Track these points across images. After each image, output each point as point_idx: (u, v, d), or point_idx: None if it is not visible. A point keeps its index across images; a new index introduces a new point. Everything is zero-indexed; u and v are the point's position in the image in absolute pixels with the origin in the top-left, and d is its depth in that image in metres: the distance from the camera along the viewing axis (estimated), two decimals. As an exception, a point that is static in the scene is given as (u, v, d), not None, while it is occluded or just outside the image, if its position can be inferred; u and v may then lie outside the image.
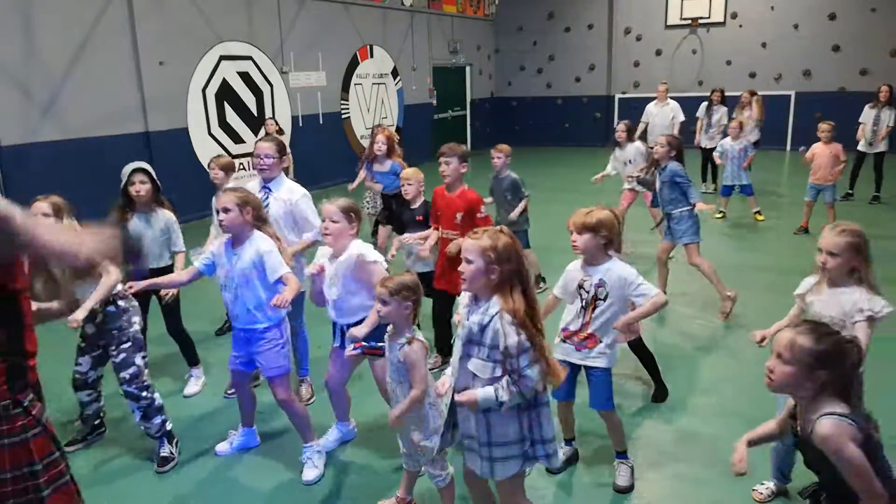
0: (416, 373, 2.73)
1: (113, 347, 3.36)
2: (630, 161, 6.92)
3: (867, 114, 9.13)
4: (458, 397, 2.38)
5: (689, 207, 5.20)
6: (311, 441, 3.40)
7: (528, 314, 2.30)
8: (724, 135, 9.02)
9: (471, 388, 2.36)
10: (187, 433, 3.76)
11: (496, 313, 2.29)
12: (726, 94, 10.30)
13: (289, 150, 8.58)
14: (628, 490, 3.18)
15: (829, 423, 1.92)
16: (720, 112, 10.08)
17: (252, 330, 3.27)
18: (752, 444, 2.34)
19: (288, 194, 3.98)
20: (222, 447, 3.60)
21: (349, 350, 3.19)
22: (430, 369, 3.08)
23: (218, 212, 3.24)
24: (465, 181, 4.39)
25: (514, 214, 5.50)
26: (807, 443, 2.04)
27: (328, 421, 3.79)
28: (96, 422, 3.73)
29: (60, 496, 2.00)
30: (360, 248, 3.23)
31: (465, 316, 2.45)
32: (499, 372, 2.32)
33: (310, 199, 4.04)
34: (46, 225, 1.89)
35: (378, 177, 6.40)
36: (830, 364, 1.96)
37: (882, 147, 9.09)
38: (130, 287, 3.27)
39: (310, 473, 3.33)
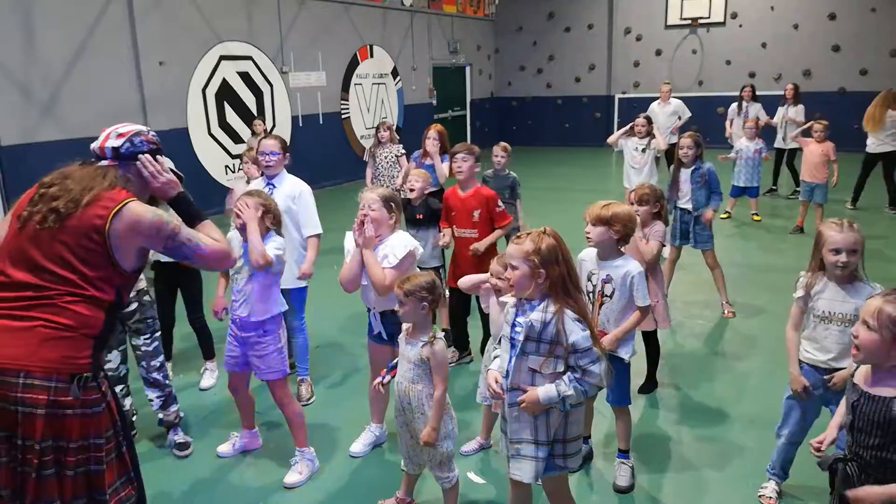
0: (441, 372, 2.71)
1: (147, 336, 3.51)
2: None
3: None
4: (514, 401, 2.36)
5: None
6: (305, 447, 3.38)
7: (583, 314, 2.32)
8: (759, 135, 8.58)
9: (529, 388, 2.33)
10: (189, 433, 3.74)
11: (556, 310, 2.29)
12: (725, 94, 10.24)
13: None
14: (628, 490, 3.16)
15: None
16: (755, 109, 9.70)
17: (251, 329, 3.24)
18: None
19: (291, 189, 4.01)
20: (224, 448, 3.58)
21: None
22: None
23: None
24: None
25: (519, 212, 5.46)
26: (868, 403, 2.09)
27: (329, 420, 3.79)
28: (133, 417, 3.73)
29: (111, 467, 2.14)
30: (400, 239, 3.25)
31: (512, 314, 2.40)
32: (561, 367, 2.31)
33: (312, 194, 4.08)
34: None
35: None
36: None
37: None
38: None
39: (292, 477, 3.29)
